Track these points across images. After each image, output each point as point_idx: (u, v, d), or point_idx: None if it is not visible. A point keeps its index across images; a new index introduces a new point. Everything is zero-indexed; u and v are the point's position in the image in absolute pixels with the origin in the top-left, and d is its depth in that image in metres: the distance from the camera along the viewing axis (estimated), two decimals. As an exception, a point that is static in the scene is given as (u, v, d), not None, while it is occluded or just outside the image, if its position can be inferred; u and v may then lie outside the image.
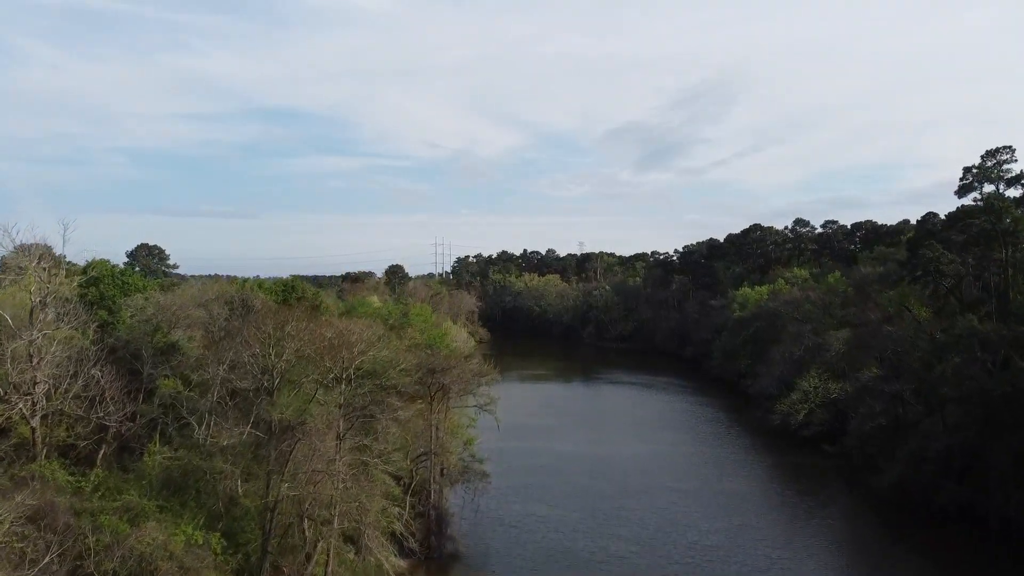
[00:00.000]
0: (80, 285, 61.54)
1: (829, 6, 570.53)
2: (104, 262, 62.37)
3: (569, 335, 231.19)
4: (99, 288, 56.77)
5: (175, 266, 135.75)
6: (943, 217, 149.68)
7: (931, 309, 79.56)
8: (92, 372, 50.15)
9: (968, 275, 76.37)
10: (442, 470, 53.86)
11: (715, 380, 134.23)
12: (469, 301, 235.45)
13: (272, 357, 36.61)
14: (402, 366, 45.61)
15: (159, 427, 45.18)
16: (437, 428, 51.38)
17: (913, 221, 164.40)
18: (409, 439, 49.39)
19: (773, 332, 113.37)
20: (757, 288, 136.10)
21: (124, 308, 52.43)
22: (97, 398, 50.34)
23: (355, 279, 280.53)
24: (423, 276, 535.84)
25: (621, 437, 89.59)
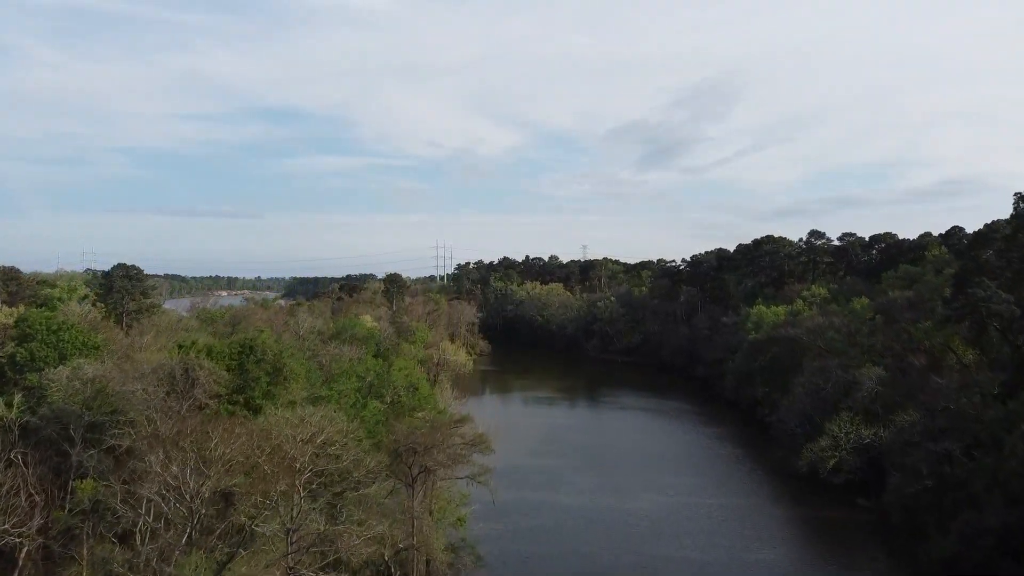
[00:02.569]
0: (11, 339, 53.88)
1: (831, 5, 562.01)
2: (41, 311, 54.79)
3: (573, 347, 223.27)
4: (30, 348, 49.01)
5: (154, 287, 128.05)
6: (969, 232, 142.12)
7: (976, 350, 71.74)
8: (11, 455, 42.53)
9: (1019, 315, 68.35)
10: (427, 564, 46.07)
11: (728, 405, 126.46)
12: (469, 312, 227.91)
13: (191, 487, 28.85)
14: (370, 466, 37.71)
15: (84, 534, 37.44)
16: (419, 519, 43.49)
17: (935, 232, 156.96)
18: (387, 531, 41.55)
19: (793, 359, 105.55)
20: (773, 308, 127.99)
21: (52, 382, 44.53)
22: (20, 485, 42.72)
23: (352, 288, 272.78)
24: (424, 279, 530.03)
25: (632, 483, 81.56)
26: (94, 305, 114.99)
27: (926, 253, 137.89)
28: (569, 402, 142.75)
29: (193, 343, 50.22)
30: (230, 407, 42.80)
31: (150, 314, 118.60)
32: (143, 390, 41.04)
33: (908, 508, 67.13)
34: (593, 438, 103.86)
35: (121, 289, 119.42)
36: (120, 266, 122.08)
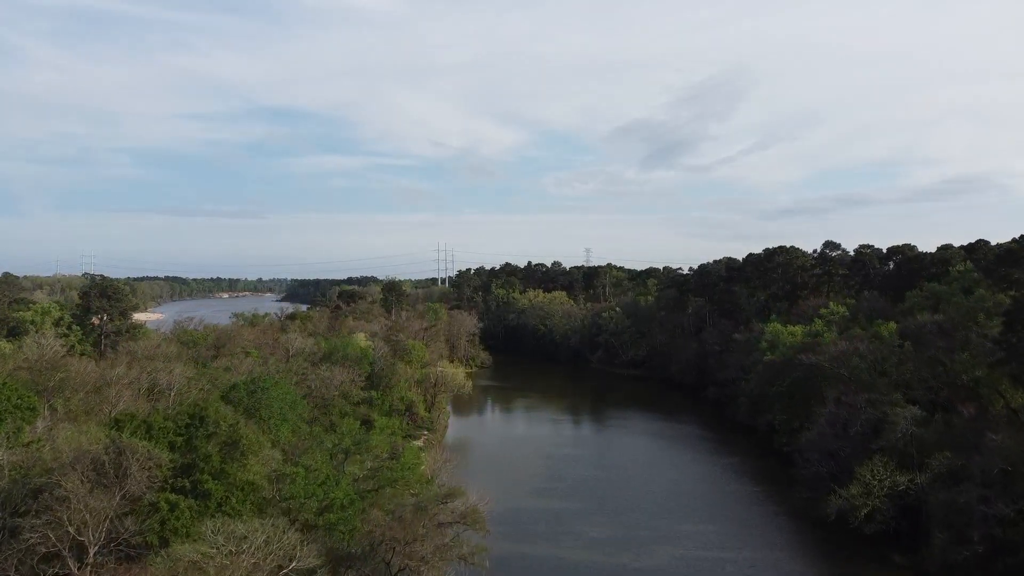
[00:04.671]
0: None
1: (834, 3, 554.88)
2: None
3: (577, 359, 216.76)
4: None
5: (136, 306, 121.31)
6: (994, 245, 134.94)
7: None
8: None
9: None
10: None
11: (742, 430, 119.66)
12: (469, 322, 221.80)
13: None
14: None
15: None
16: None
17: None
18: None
19: (813, 386, 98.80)
20: (790, 328, 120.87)
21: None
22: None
23: (350, 295, 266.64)
24: (425, 281, 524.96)
25: (645, 533, 74.50)
26: (70, 328, 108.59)
27: (949, 268, 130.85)
28: (574, 425, 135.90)
29: (132, 417, 43.33)
30: (172, 496, 36.08)
31: (130, 336, 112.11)
32: (62, 484, 34.16)
33: (952, 568, 60.50)
34: (601, 472, 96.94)
35: (99, 309, 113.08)
36: (97, 285, 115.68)
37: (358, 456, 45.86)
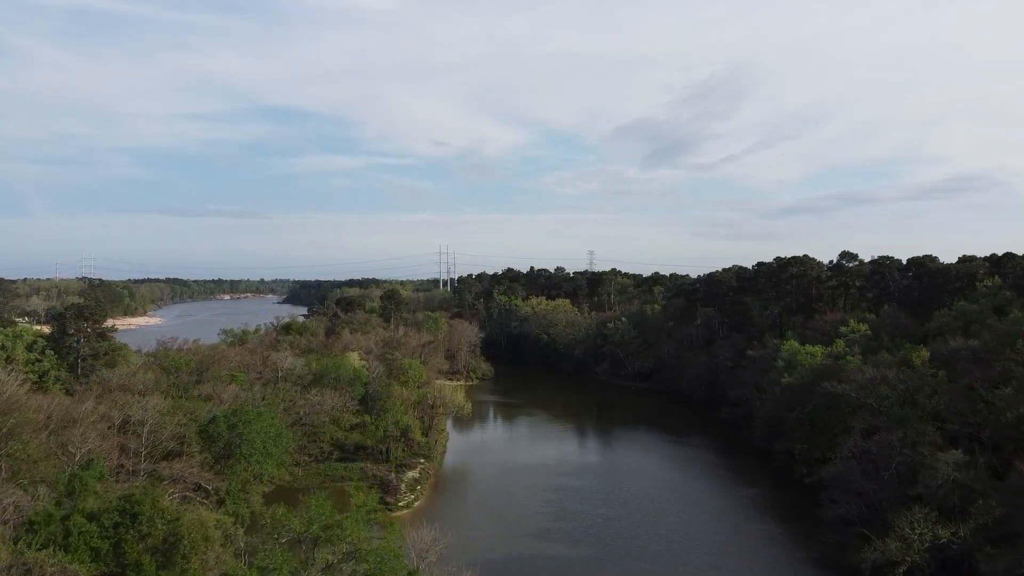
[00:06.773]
0: None
1: (837, 1, 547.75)
2: None
3: (581, 370, 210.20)
4: None
5: (114, 328, 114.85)
6: (1022, 257, 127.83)
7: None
8: None
9: None
10: None
11: (758, 456, 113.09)
12: (471, 332, 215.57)
13: None
14: None
15: None
16: None
17: (978, 255, 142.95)
18: None
19: (837, 414, 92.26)
20: (808, 347, 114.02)
21: None
22: None
23: (348, 304, 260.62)
24: (427, 283, 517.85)
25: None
26: (43, 353, 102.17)
27: (975, 283, 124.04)
28: (580, 449, 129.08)
29: (48, 517, 36.57)
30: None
31: (107, 360, 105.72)
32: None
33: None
34: (609, 509, 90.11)
35: (76, 332, 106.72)
36: (73, 306, 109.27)
37: (329, 543, 39.21)
